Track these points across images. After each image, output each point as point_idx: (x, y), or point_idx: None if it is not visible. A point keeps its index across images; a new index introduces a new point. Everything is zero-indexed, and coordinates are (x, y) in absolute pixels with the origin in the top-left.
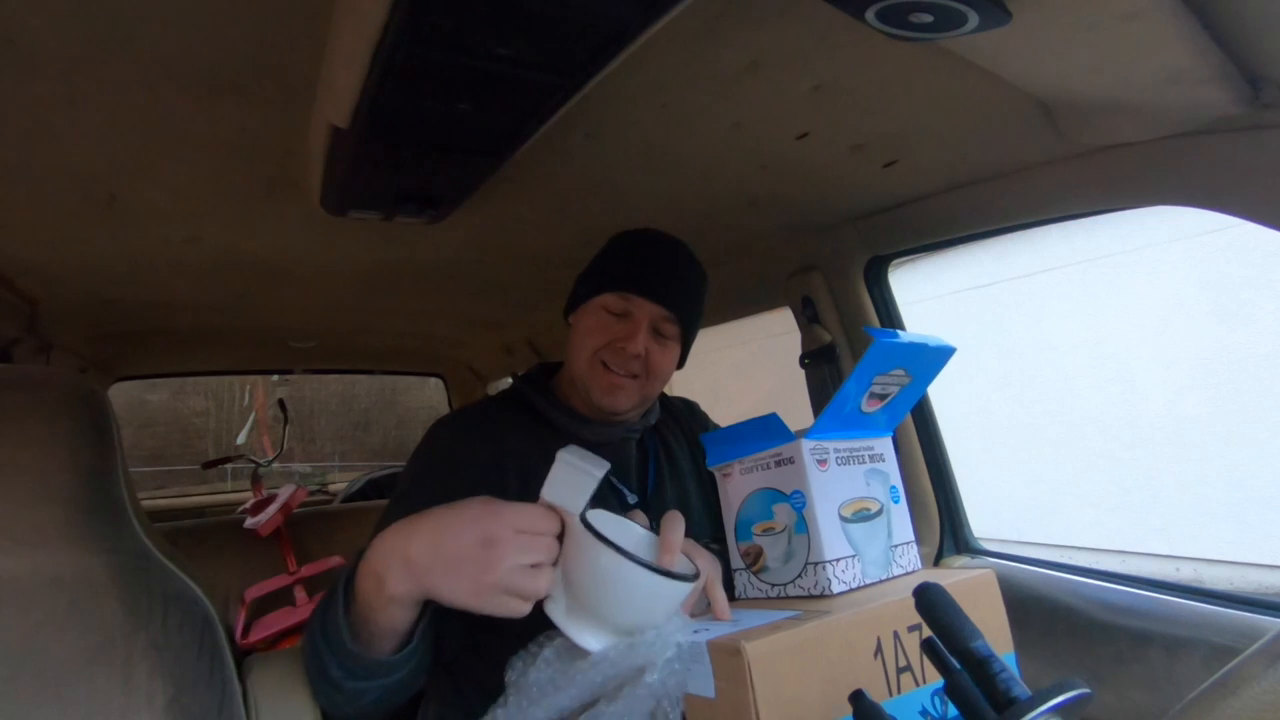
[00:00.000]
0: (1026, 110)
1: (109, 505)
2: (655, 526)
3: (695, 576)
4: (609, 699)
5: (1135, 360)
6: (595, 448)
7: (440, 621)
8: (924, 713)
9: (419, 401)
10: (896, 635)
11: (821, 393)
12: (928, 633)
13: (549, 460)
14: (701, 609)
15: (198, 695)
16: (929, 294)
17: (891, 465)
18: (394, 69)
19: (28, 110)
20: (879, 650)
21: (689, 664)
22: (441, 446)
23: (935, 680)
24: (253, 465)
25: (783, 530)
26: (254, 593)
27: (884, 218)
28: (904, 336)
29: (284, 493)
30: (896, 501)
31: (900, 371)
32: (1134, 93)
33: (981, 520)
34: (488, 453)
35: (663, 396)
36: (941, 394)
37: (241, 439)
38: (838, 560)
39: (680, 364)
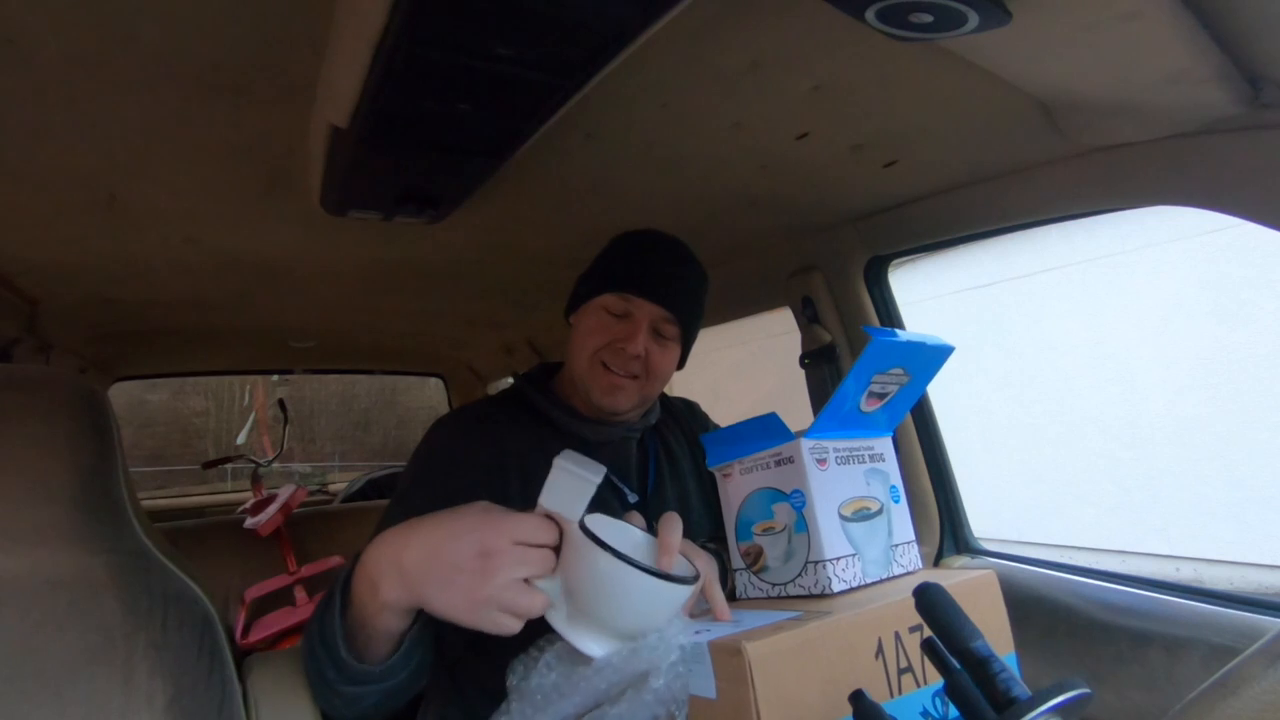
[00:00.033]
0: (1026, 110)
1: (109, 505)
2: (654, 526)
3: (696, 578)
4: (613, 702)
5: (1135, 360)
6: (596, 447)
7: (441, 622)
8: (925, 713)
9: (419, 401)
10: (898, 636)
11: (821, 393)
12: (928, 633)
13: (550, 459)
14: (700, 609)
15: (198, 695)
16: (929, 294)
17: (891, 465)
18: (394, 69)
19: (28, 110)
20: (880, 651)
21: (690, 665)
22: (442, 446)
23: (936, 681)
24: (253, 465)
25: (783, 530)
26: (254, 593)
27: (884, 218)
28: (902, 335)
29: (284, 493)
30: (897, 501)
31: (899, 370)
32: (1134, 93)
33: (981, 520)
34: (488, 452)
35: (663, 396)
36: (941, 394)
37: (241, 439)
38: (838, 559)
39: (680, 364)
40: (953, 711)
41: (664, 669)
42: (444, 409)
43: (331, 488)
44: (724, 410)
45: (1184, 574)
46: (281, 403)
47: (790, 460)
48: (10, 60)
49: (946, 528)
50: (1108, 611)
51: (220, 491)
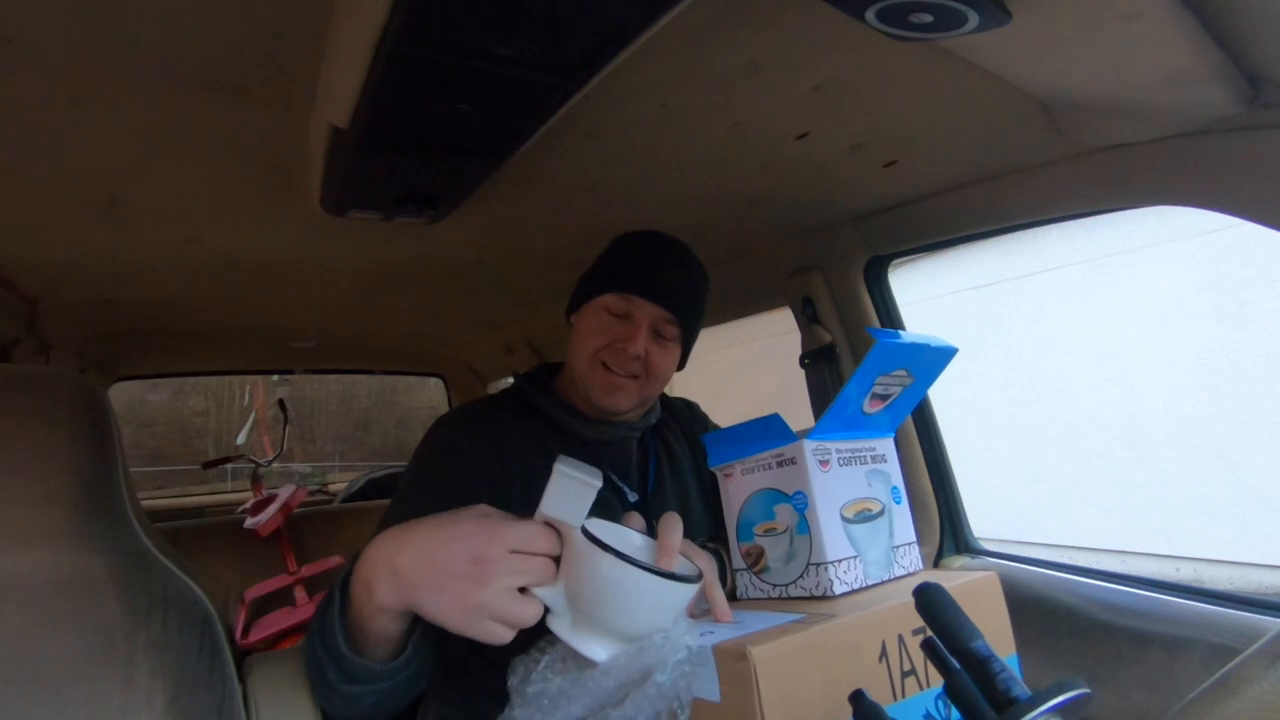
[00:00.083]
0: (1026, 110)
1: (109, 505)
2: (654, 525)
3: (699, 578)
4: (616, 703)
5: (1135, 360)
6: (596, 446)
7: None
8: (928, 716)
9: (419, 401)
10: (901, 639)
11: (821, 393)
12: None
13: (550, 458)
14: (701, 609)
15: (198, 695)
16: (929, 294)
17: (893, 466)
18: (394, 69)
19: (28, 110)
20: (884, 654)
21: (695, 667)
22: (443, 443)
23: (939, 683)
24: (253, 465)
25: (784, 531)
26: (254, 593)
27: (884, 218)
28: (906, 337)
29: (284, 493)
30: (898, 502)
31: (902, 372)
32: (1134, 93)
33: (981, 520)
34: (490, 450)
35: (663, 397)
36: (941, 394)
37: (241, 439)
38: (840, 561)
39: (681, 365)
40: (955, 714)
41: (669, 665)
42: (444, 409)
43: (331, 488)
44: (724, 410)
45: (1184, 574)
46: (281, 403)
47: (793, 461)
48: (10, 60)
49: (946, 528)
50: (1108, 611)
51: (220, 491)
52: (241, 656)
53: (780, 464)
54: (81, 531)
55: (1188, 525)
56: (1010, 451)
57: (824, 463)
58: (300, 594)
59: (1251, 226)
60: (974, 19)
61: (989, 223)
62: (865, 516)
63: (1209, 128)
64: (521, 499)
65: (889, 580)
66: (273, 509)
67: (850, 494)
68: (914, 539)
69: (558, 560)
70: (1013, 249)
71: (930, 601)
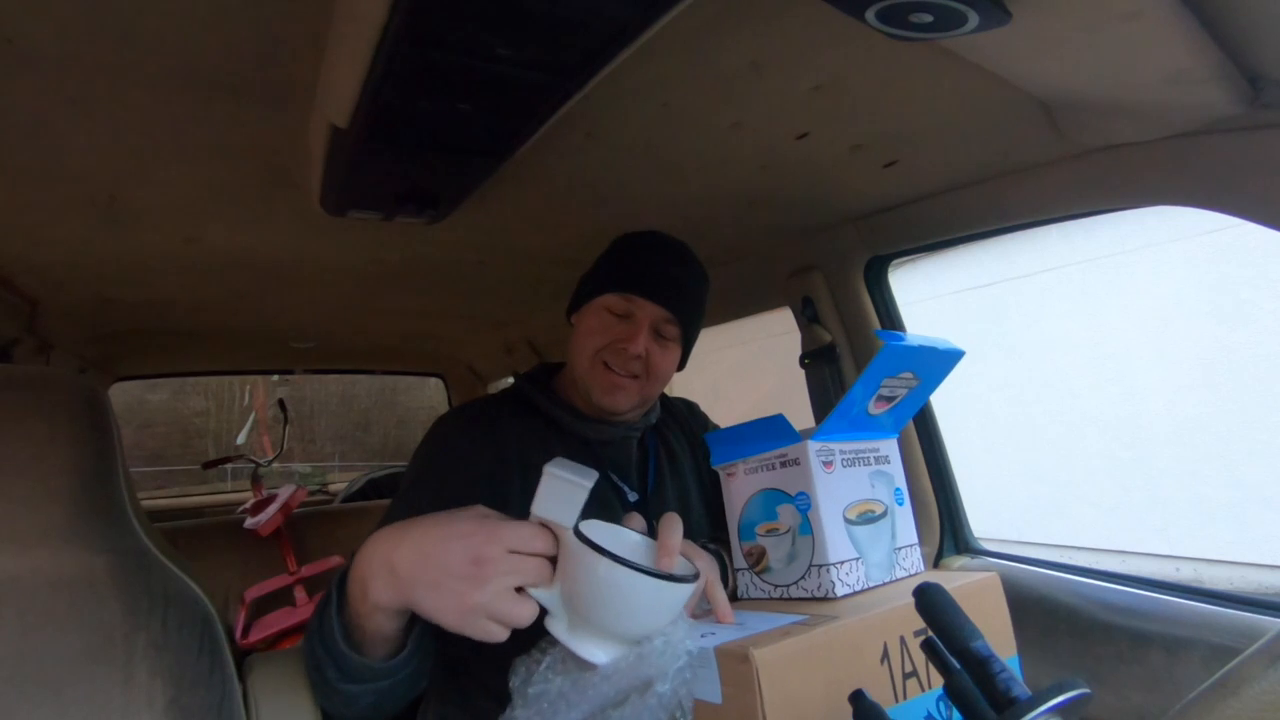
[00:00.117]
0: (1026, 110)
1: (109, 505)
2: (654, 525)
3: (695, 577)
4: (617, 706)
5: (1135, 360)
6: (596, 446)
7: None
8: (929, 718)
9: (419, 401)
10: (903, 640)
11: (821, 393)
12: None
13: (550, 456)
14: (702, 610)
15: (198, 695)
16: (929, 294)
17: (896, 467)
18: (394, 69)
19: (28, 110)
20: (885, 655)
21: (696, 670)
22: (444, 441)
23: (941, 685)
24: (253, 465)
25: (787, 531)
26: (254, 593)
27: (884, 218)
28: (913, 339)
29: (284, 493)
30: (901, 504)
31: (908, 374)
32: (1134, 93)
33: (981, 520)
34: (490, 449)
35: (663, 397)
36: (942, 394)
37: (241, 439)
38: (841, 563)
39: (681, 365)
40: (956, 715)
41: (670, 674)
42: (444, 409)
43: (331, 488)
44: (724, 410)
45: (1184, 574)
46: (281, 403)
47: (796, 462)
48: (10, 60)
49: (946, 528)
50: (1108, 611)
51: (220, 491)
52: (241, 656)
53: (784, 464)
54: (81, 531)
55: (1188, 525)
56: (1010, 451)
57: (827, 464)
58: (300, 594)
59: (1251, 226)
60: (974, 19)
61: (989, 223)
62: (868, 518)
63: (1209, 128)
64: (521, 498)
65: (890, 582)
66: (273, 509)
67: (853, 495)
68: (915, 540)
69: (554, 561)
70: (1013, 249)
71: (930, 602)
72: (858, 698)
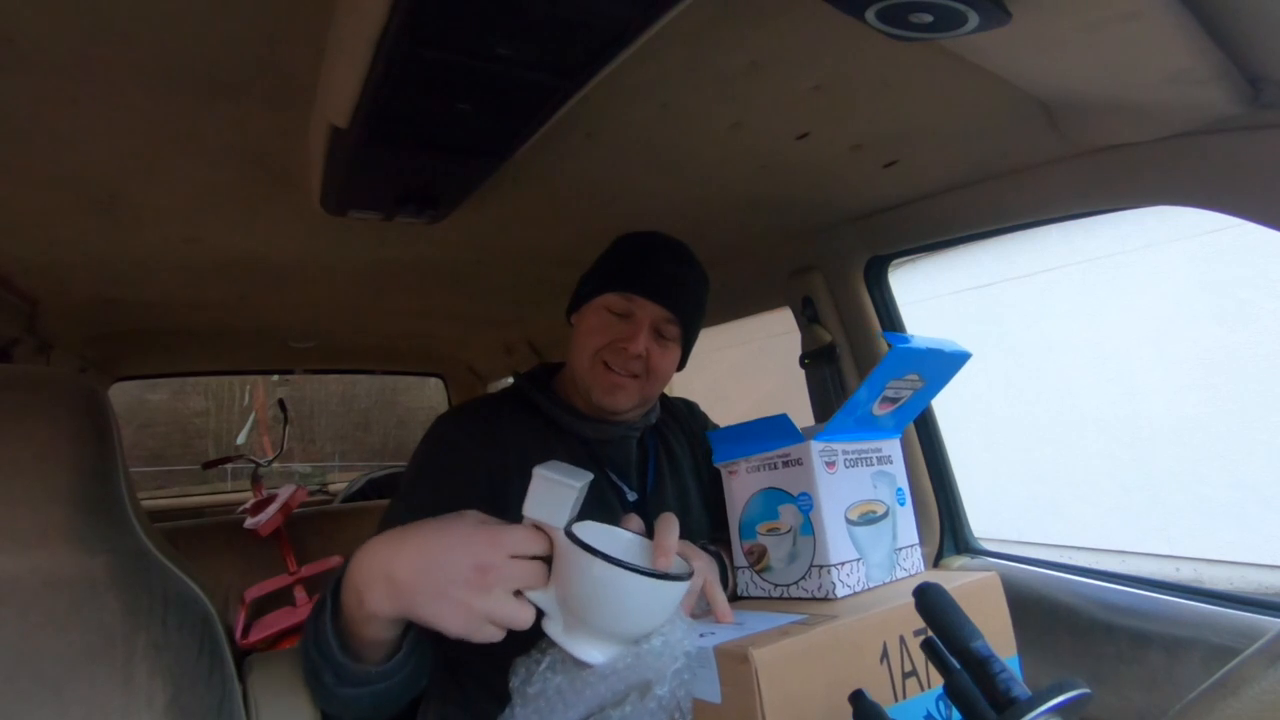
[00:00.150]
0: (1026, 110)
1: (109, 505)
2: (653, 524)
3: (688, 575)
4: (616, 705)
5: (1135, 360)
6: (595, 445)
7: None
8: (929, 717)
9: (419, 401)
10: (902, 640)
11: (822, 393)
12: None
13: (550, 455)
14: (701, 610)
15: (198, 695)
16: (929, 294)
17: (899, 467)
18: (394, 69)
19: (28, 110)
20: (885, 655)
21: (695, 669)
22: (444, 440)
23: (940, 684)
24: (253, 465)
25: (788, 531)
26: (254, 593)
27: (884, 218)
28: (920, 341)
29: (284, 493)
30: (902, 504)
31: (914, 376)
32: (1134, 93)
33: (981, 520)
34: (490, 446)
35: (663, 397)
36: (942, 394)
37: (241, 439)
38: (842, 564)
39: (681, 365)
40: (956, 715)
41: (668, 676)
42: (444, 409)
43: (331, 488)
44: (724, 410)
45: (1184, 574)
46: (281, 403)
47: (799, 462)
48: (10, 60)
49: (946, 528)
50: (1108, 611)
51: (220, 491)
52: (241, 656)
53: (786, 464)
54: (81, 531)
55: (1188, 525)
56: (1010, 451)
57: (830, 464)
58: (300, 594)
59: (1251, 226)
60: (974, 19)
61: (989, 223)
62: (869, 519)
63: (1209, 128)
64: (520, 497)
65: (891, 582)
66: (273, 509)
67: (855, 496)
68: (916, 541)
69: (550, 563)
70: (1013, 249)
71: (930, 602)
72: (858, 698)
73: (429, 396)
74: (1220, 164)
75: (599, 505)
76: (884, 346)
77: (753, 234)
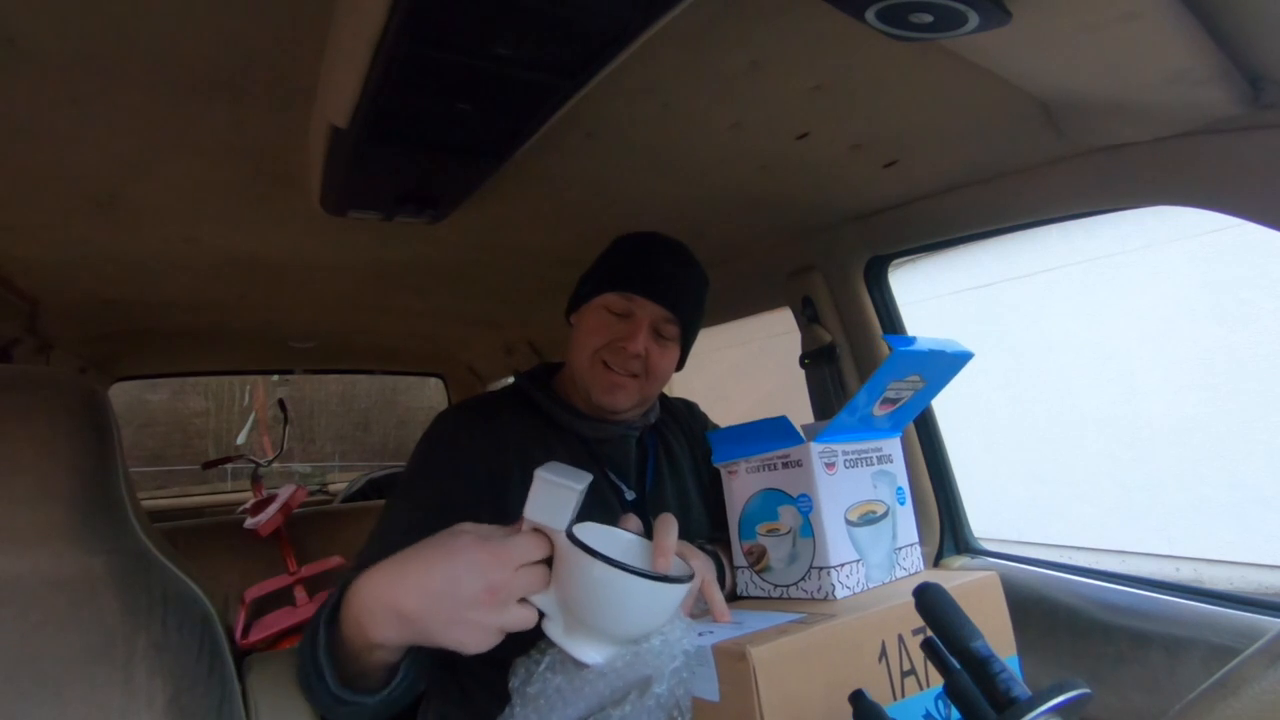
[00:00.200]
0: (1026, 110)
1: (109, 505)
2: (652, 523)
3: (689, 578)
4: (616, 704)
5: (1136, 360)
6: (595, 444)
7: None
8: (928, 716)
9: (419, 401)
10: (901, 639)
11: (821, 393)
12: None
13: (549, 454)
14: (700, 610)
15: (198, 695)
16: (929, 294)
17: (899, 466)
18: (394, 69)
19: (28, 110)
20: (883, 654)
21: (694, 668)
22: (445, 436)
23: (939, 683)
24: (253, 465)
25: (788, 532)
26: (254, 593)
27: (884, 218)
28: (921, 344)
29: (284, 493)
30: (902, 503)
31: (915, 377)
32: (1134, 93)
33: (981, 520)
34: (490, 441)
35: (662, 397)
36: (942, 394)
37: (241, 439)
38: (842, 565)
39: (680, 365)
40: (955, 714)
41: (667, 675)
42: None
43: (331, 488)
44: (724, 410)
45: (1184, 574)
46: (281, 403)
47: (798, 464)
48: (10, 60)
49: (946, 528)
50: (1108, 611)
51: (220, 491)
52: (241, 656)
53: (786, 465)
54: (81, 531)
55: (1188, 525)
56: (1010, 451)
57: (830, 465)
58: (300, 594)
59: (1251, 226)
60: (974, 19)
61: (989, 223)
62: (869, 519)
63: (1209, 128)
64: (520, 494)
65: (890, 582)
66: (273, 509)
67: (855, 496)
68: (916, 540)
69: (550, 564)
70: (1013, 249)
71: (930, 601)
72: (858, 698)
73: (429, 396)
74: (1220, 164)
75: (598, 505)
76: (884, 346)
77: (752, 234)
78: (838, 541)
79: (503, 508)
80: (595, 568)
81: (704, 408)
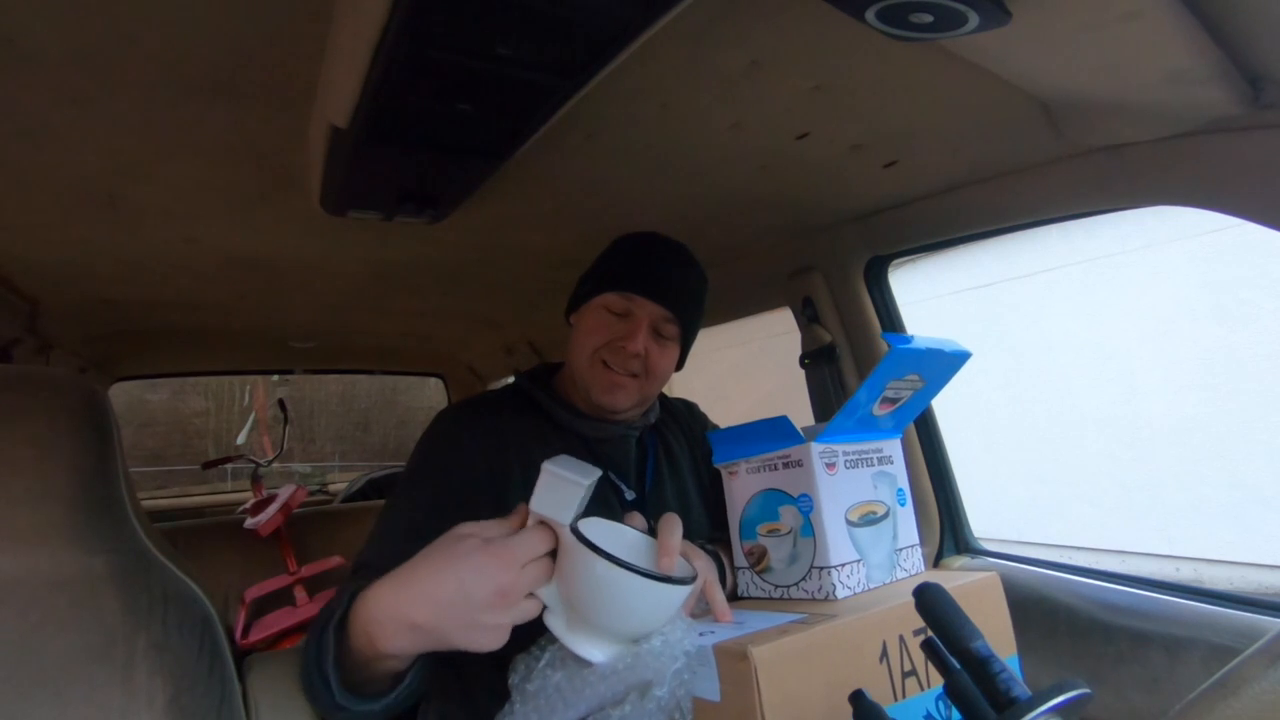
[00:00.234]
0: (1026, 110)
1: (109, 505)
2: (653, 523)
3: (693, 579)
4: (616, 704)
5: (1136, 360)
6: (594, 444)
7: None
8: (928, 716)
9: (419, 401)
10: (902, 639)
11: (822, 393)
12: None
13: (549, 452)
14: (701, 610)
15: (197, 695)
16: (929, 294)
17: (899, 467)
18: (394, 69)
19: (28, 110)
20: (884, 654)
21: (695, 668)
22: (446, 434)
23: (940, 684)
24: (253, 465)
25: (788, 533)
26: (254, 593)
27: (884, 218)
28: (919, 342)
29: (284, 493)
30: (903, 504)
31: (914, 376)
32: (1134, 93)
33: (980, 520)
34: (490, 438)
35: (662, 397)
36: (942, 394)
37: (241, 439)
38: (843, 565)
39: (679, 365)
40: (956, 714)
41: (668, 676)
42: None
43: (331, 488)
44: (724, 410)
45: (1184, 574)
46: (281, 403)
47: (799, 464)
48: (10, 60)
49: (946, 528)
50: (1108, 611)
51: (220, 491)
52: (241, 656)
53: (786, 465)
54: (81, 531)
55: (1188, 525)
56: (1010, 451)
57: (830, 465)
58: (300, 594)
59: (1251, 226)
60: (974, 19)
61: (989, 223)
62: (870, 519)
63: (1209, 128)
64: (520, 493)
65: (891, 582)
66: (273, 509)
67: (856, 497)
68: (917, 541)
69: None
70: (1013, 249)
71: (930, 602)
72: (858, 698)
73: (429, 396)
74: (1220, 164)
75: (597, 504)
76: (884, 347)
77: (752, 234)
78: (838, 541)
79: (503, 507)
80: (599, 565)
81: (704, 408)
